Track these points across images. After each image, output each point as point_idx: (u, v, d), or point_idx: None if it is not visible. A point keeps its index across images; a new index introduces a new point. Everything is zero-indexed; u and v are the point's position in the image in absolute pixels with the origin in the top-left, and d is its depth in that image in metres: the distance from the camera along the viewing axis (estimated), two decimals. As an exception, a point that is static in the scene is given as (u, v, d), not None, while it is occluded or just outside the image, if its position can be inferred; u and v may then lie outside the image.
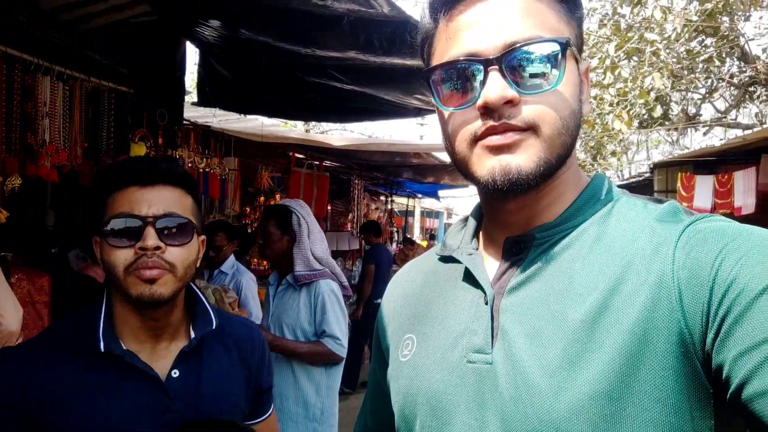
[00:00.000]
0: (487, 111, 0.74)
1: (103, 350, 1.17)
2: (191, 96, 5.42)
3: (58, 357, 1.19)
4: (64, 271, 3.51)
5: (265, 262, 6.01)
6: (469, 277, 0.84)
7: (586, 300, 0.71)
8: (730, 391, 0.62)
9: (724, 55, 9.12)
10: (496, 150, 0.75)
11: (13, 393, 1.13)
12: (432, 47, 0.83)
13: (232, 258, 4.37)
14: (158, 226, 1.18)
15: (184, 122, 4.23)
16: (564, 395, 0.67)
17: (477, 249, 0.88)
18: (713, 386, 0.65)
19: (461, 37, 0.76)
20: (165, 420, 1.19)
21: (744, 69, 9.45)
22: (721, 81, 9.37)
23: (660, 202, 0.80)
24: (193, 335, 1.29)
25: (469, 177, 0.80)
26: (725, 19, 8.28)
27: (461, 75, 0.76)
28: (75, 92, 2.87)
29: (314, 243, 2.93)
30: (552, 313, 0.73)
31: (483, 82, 0.74)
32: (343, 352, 2.80)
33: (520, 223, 0.82)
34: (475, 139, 0.76)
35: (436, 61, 0.81)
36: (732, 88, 10.63)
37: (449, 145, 0.81)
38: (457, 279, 0.87)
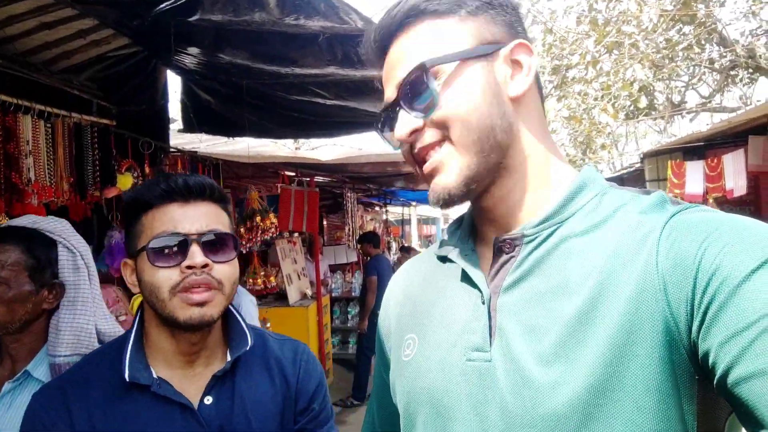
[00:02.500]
0: (409, 144, 0.86)
1: (128, 380, 1.12)
2: (177, 123, 5.46)
3: (89, 389, 1.15)
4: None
5: (259, 281, 5.96)
6: (466, 278, 0.86)
7: (578, 294, 0.73)
8: (716, 378, 0.64)
9: (703, 42, 9.20)
10: (428, 178, 0.86)
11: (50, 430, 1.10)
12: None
13: None
14: (204, 244, 1.14)
15: (171, 149, 4.25)
16: (561, 389, 0.69)
17: (473, 248, 0.90)
18: (699, 373, 0.67)
19: (385, 87, 0.89)
20: None
21: (724, 54, 9.53)
22: (698, 66, 9.43)
23: (648, 193, 0.81)
24: (229, 358, 1.23)
25: None
26: (701, 6, 8.36)
27: (388, 117, 0.90)
28: (57, 129, 2.88)
29: (97, 303, 1.55)
30: (547, 308, 0.75)
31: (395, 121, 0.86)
32: None
33: (504, 217, 0.85)
34: (416, 163, 0.88)
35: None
36: (714, 73, 10.71)
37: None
38: (455, 279, 0.89)
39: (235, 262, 1.21)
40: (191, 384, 1.20)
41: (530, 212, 0.83)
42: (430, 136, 0.83)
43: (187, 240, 1.13)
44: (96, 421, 1.12)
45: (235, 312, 1.31)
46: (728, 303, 0.62)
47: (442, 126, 0.82)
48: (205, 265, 1.13)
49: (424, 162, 0.85)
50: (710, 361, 0.64)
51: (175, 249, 1.13)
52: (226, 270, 1.18)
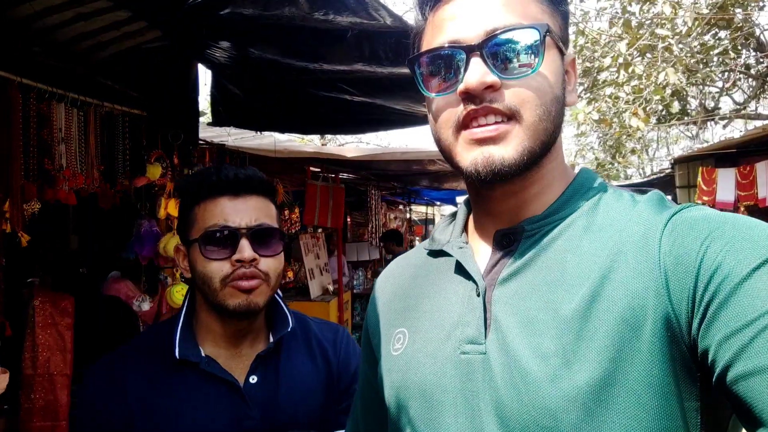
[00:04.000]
0: (469, 96, 0.76)
1: (178, 357, 1.19)
2: (207, 117, 5.54)
3: (141, 364, 1.22)
4: (92, 293, 3.57)
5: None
6: (461, 270, 0.85)
7: (578, 290, 0.73)
8: (715, 375, 0.63)
9: (739, 47, 8.99)
10: (480, 142, 0.77)
11: (107, 403, 1.17)
12: (420, 41, 0.86)
13: None
14: (252, 237, 1.20)
15: (200, 142, 4.31)
16: (560, 383, 0.68)
17: (467, 242, 0.89)
18: (700, 370, 0.66)
19: (445, 27, 0.80)
20: (242, 427, 1.19)
21: (761, 59, 9.29)
22: (731, 72, 9.21)
23: (644, 192, 0.82)
24: (271, 339, 1.29)
25: (454, 166, 0.82)
26: (738, 10, 8.17)
27: (444, 62, 0.79)
28: (89, 117, 2.95)
29: None
30: (544, 302, 0.74)
31: (465, 69, 0.76)
32: None
33: (509, 212, 0.84)
34: (459, 127, 0.78)
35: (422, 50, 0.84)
36: (750, 79, 10.45)
37: (435, 132, 0.84)
38: (448, 272, 0.88)
39: (281, 255, 1.26)
40: (237, 363, 1.25)
41: (535, 209, 0.83)
42: (505, 100, 0.76)
43: (237, 233, 1.19)
44: (146, 395, 1.17)
45: (277, 297, 1.35)
46: (729, 301, 0.62)
47: (521, 99, 0.76)
48: (253, 259, 1.19)
49: (470, 126, 0.77)
50: (710, 358, 0.64)
51: (226, 242, 1.19)
52: (272, 263, 1.23)
